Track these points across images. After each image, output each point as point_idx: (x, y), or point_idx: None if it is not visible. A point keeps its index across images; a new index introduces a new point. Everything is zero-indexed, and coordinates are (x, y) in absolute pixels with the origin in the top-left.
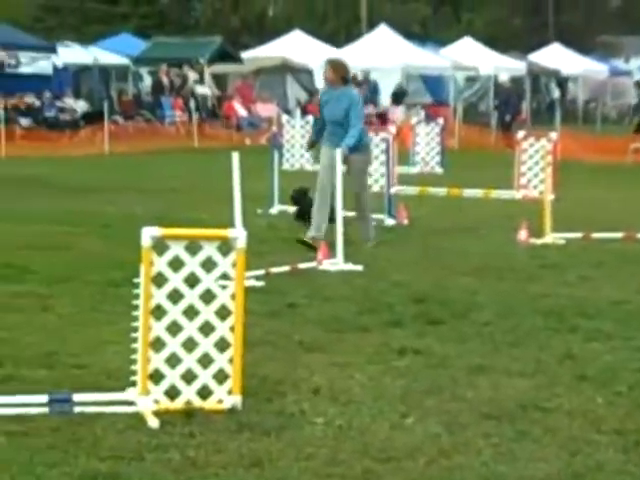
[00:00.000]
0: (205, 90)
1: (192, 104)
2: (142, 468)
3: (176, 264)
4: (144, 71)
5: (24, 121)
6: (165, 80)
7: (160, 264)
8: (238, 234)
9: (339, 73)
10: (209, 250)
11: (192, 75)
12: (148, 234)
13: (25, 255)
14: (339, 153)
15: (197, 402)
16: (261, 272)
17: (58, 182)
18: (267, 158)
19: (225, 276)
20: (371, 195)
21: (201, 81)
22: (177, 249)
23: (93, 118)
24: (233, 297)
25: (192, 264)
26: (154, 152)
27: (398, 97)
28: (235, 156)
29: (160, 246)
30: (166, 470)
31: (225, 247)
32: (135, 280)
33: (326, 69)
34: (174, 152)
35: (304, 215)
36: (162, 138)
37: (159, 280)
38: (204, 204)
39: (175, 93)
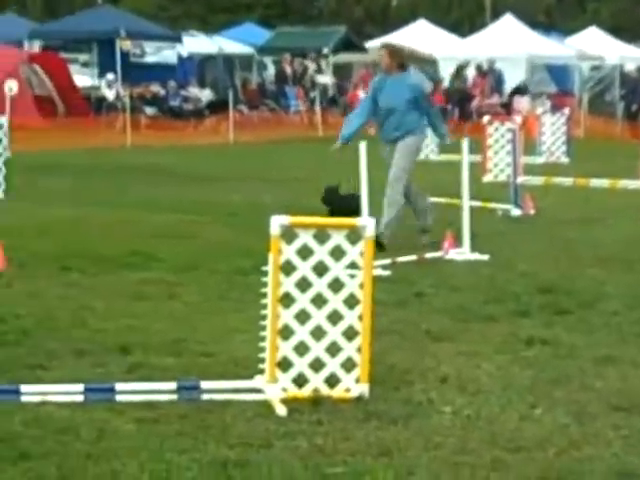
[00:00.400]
0: (325, 79)
1: (314, 93)
2: (270, 455)
3: (304, 252)
4: (268, 60)
5: (149, 110)
6: (288, 70)
7: (289, 252)
8: (367, 223)
9: (396, 59)
10: (337, 239)
11: (311, 65)
12: (277, 222)
13: (152, 243)
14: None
15: (325, 390)
16: (388, 261)
17: (183, 171)
18: None
19: (353, 265)
20: (412, 185)
21: (319, 70)
22: (306, 237)
23: (217, 107)
24: (361, 286)
25: (321, 252)
26: (278, 141)
27: (519, 91)
28: (362, 146)
29: (289, 234)
30: (294, 457)
31: (353, 236)
32: (263, 268)
33: (381, 54)
34: (298, 141)
35: (336, 215)
36: (286, 127)
37: (287, 268)
38: None
39: (297, 82)
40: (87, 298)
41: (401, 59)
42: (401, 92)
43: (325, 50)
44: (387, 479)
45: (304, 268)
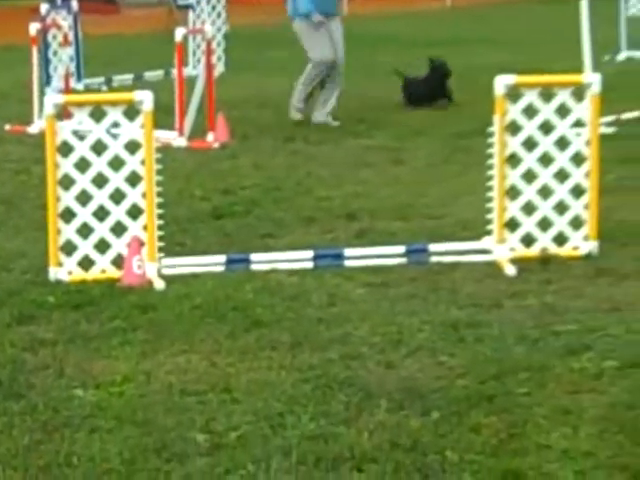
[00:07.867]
0: None
1: None
2: (501, 315)
3: (530, 112)
4: None
5: None
6: None
7: (514, 112)
8: (592, 79)
9: None
10: (563, 96)
11: None
12: (502, 82)
13: (375, 112)
14: None
15: (553, 249)
16: (611, 118)
17: (404, 37)
18: (613, 5)
19: (577, 123)
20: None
21: None
22: (531, 96)
23: None
24: (587, 143)
25: (546, 111)
26: (497, 3)
27: None
28: (584, 4)
29: (513, 95)
30: (525, 316)
31: (578, 93)
32: (489, 130)
33: None
34: (518, 3)
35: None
36: None
37: (513, 128)
38: (553, 55)
39: None
40: (312, 166)
41: None
42: None
43: None
44: (619, 335)
45: (530, 127)
